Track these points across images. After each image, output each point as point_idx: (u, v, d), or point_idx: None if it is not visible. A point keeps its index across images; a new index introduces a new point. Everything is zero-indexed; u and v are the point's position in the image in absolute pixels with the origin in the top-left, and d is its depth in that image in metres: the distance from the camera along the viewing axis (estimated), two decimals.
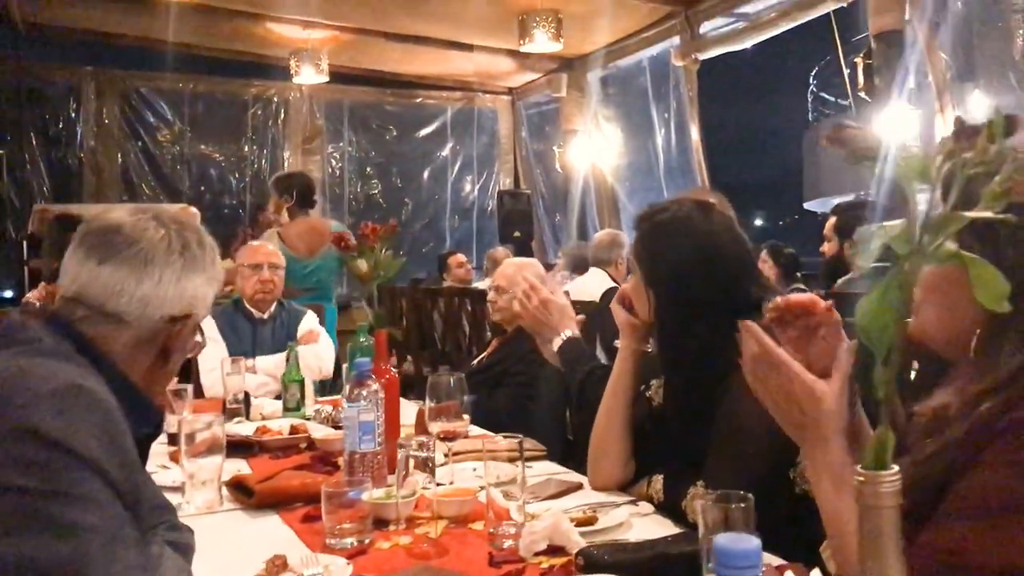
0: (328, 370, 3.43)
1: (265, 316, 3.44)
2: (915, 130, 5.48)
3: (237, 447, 2.40)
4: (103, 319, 1.29)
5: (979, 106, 5.72)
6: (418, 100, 10.11)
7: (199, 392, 3.10)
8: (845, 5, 5.96)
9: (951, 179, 0.66)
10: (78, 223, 1.36)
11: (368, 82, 9.73)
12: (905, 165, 0.65)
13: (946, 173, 0.66)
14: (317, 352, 3.36)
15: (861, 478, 0.68)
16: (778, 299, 1.26)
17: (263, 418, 2.86)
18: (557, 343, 2.27)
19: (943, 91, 5.41)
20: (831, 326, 1.20)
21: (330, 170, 9.74)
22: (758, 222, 28.32)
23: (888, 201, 1.12)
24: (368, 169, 9.96)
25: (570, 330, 2.28)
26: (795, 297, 1.25)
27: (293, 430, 2.61)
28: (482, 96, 10.29)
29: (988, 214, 0.64)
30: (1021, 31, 5.71)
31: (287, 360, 2.99)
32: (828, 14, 6.24)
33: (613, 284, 5.12)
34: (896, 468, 0.67)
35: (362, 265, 2.16)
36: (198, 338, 1.43)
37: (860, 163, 0.73)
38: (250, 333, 3.38)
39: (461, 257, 7.88)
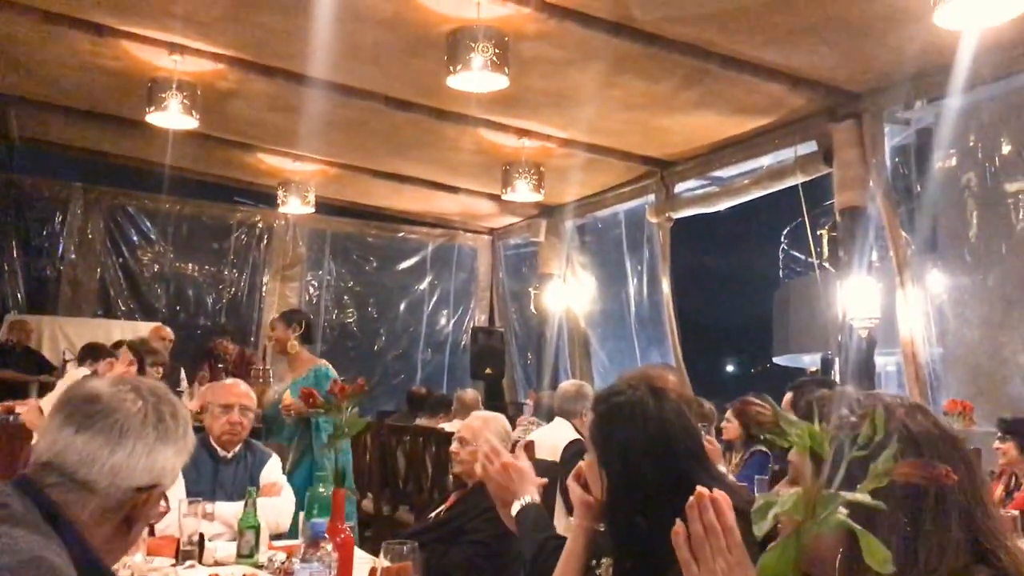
0: (285, 526, 3.41)
1: (230, 455, 3.46)
2: (876, 302, 5.69)
3: None
4: (73, 486, 1.34)
5: (937, 282, 5.99)
6: (400, 234, 10.38)
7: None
8: (811, 179, 6.27)
9: (839, 458, 0.76)
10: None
11: (352, 214, 10.00)
12: (799, 440, 0.76)
13: (835, 451, 0.76)
14: (277, 507, 3.36)
15: None
16: (703, 491, 1.30)
17: (216, 563, 2.84)
18: (516, 508, 2.31)
19: (904, 266, 5.66)
20: (729, 537, 1.22)
21: (307, 297, 9.87)
22: (730, 368, 28.58)
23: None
24: (345, 298, 10.10)
25: (529, 496, 2.32)
26: (721, 496, 1.30)
27: None
28: (463, 234, 10.59)
29: (866, 498, 0.74)
30: (975, 212, 6.04)
31: (245, 505, 2.99)
32: (797, 185, 6.55)
33: (577, 436, 5.16)
34: None
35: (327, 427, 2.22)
36: (162, 505, 1.48)
37: (764, 435, 0.83)
38: (212, 472, 3.39)
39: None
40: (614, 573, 2.04)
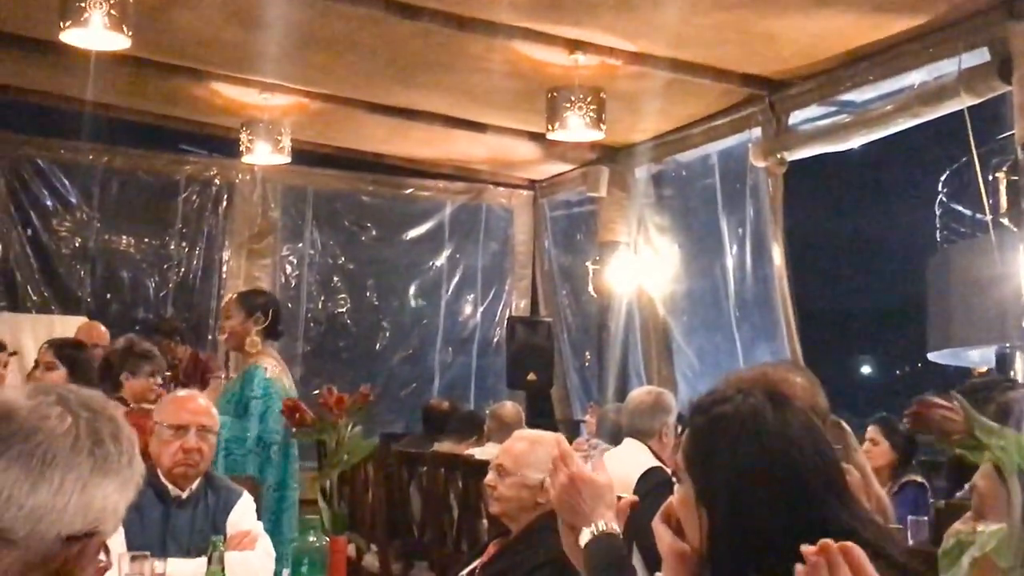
0: None
1: (184, 495, 3.48)
2: None
3: None
4: None
5: None
6: (407, 191, 10.37)
7: None
8: (983, 102, 6.18)
9: None
10: None
11: (341, 164, 10.01)
12: (1005, 454, 0.74)
13: None
14: (251, 564, 3.38)
15: None
16: (828, 544, 1.29)
17: None
18: (585, 537, 2.31)
19: None
20: None
21: (283, 279, 9.90)
22: (865, 369, 28.35)
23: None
24: (335, 280, 10.12)
25: (604, 521, 2.32)
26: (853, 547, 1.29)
27: None
28: (494, 190, 10.58)
29: None
30: None
31: (208, 561, 3.02)
32: (961, 111, 6.45)
33: (656, 463, 5.15)
34: None
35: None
36: (102, 559, 1.48)
37: (953, 449, 0.81)
38: (162, 517, 3.42)
39: None
40: None
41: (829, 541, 1.28)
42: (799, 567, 1.27)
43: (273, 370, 4.92)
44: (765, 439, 1.89)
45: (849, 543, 1.26)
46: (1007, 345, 7.07)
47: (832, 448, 1.95)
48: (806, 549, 1.27)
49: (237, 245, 9.68)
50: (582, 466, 2.37)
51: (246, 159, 8.59)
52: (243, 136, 8.38)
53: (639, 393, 5.90)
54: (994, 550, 0.69)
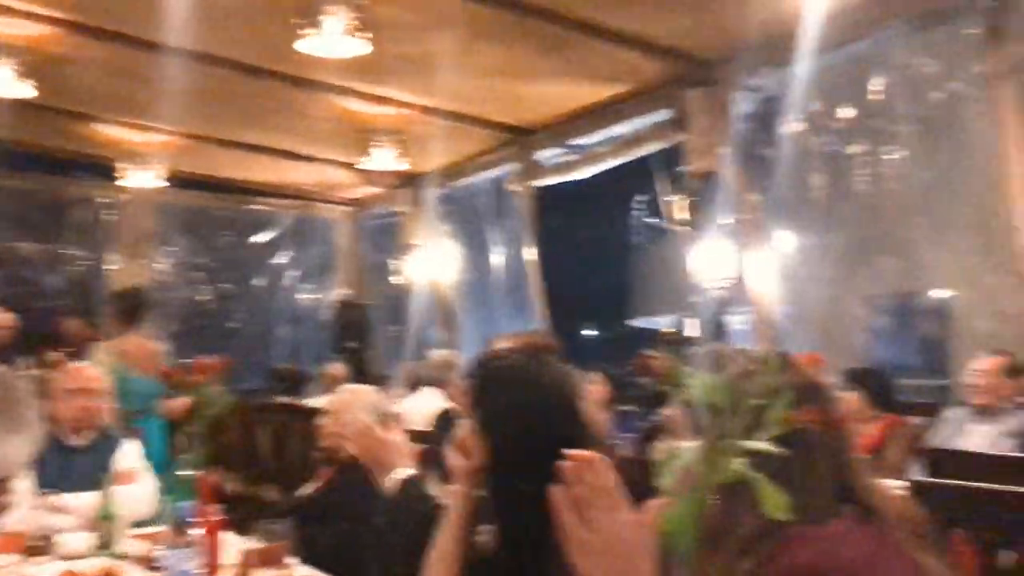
0: (147, 515, 3.24)
1: (81, 444, 3.26)
2: (728, 263, 5.92)
3: None
4: None
5: (785, 243, 6.27)
6: (255, 207, 10.02)
7: None
8: (666, 146, 6.44)
9: (737, 408, 0.76)
10: None
11: (203, 187, 9.57)
12: (701, 392, 0.75)
13: (732, 403, 0.76)
14: (136, 496, 3.19)
15: None
16: (578, 454, 1.30)
17: (71, 557, 2.68)
18: (391, 481, 2.28)
19: (754, 228, 5.90)
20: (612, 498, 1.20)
21: (158, 275, 9.41)
22: (589, 333, 29.28)
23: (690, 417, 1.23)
24: (199, 275, 9.70)
25: (404, 468, 2.30)
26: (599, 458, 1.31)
27: (106, 574, 2.46)
28: (322, 206, 10.32)
29: (765, 446, 0.74)
30: (819, 175, 6.34)
31: (100, 495, 2.83)
32: (653, 153, 6.71)
33: (447, 405, 5.17)
34: None
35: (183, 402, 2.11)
36: (5, 497, 1.36)
37: (665, 388, 0.83)
38: (62, 463, 3.18)
39: None
40: (495, 539, 2.04)
41: (580, 452, 1.28)
42: (562, 465, 1.25)
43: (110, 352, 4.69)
44: (529, 386, 1.90)
45: (596, 454, 1.26)
46: (681, 314, 7.39)
47: (578, 389, 1.98)
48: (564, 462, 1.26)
49: (120, 250, 9.14)
50: (379, 431, 2.34)
51: (128, 183, 8.18)
52: (125, 166, 7.99)
53: (438, 353, 5.93)
54: (691, 462, 0.71)
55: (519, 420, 1.86)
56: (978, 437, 4.15)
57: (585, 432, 1.90)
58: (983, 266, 4.85)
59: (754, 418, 0.76)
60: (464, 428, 2.06)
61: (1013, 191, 4.42)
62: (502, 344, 2.07)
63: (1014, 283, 4.38)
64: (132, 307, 4.81)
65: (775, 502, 0.73)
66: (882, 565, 1.14)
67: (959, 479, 2.32)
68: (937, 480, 1.85)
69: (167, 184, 8.48)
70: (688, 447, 0.75)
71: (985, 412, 4.23)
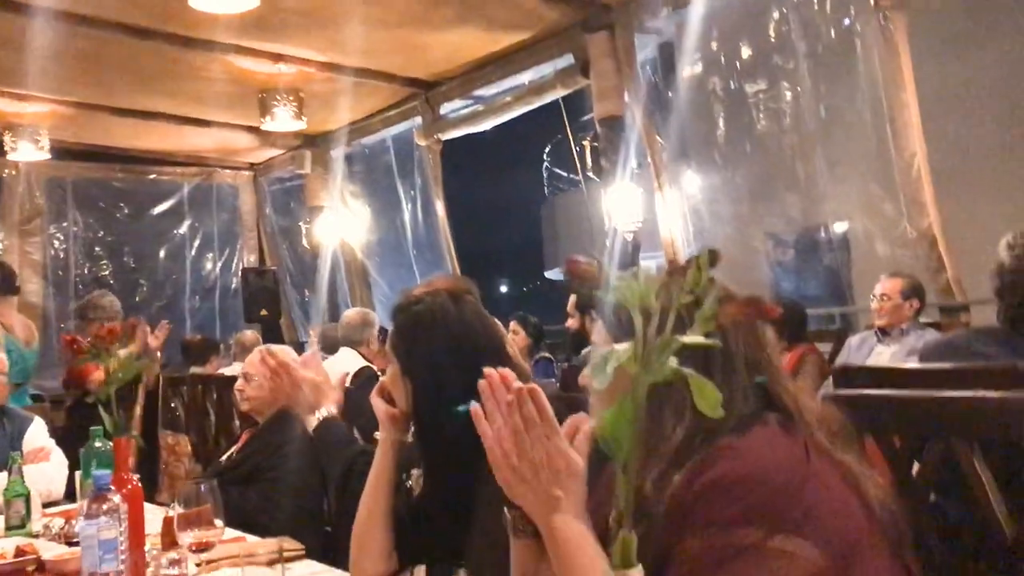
0: (59, 492, 3.13)
1: None
2: (638, 207, 5.99)
3: None
4: None
5: (691, 184, 6.39)
6: (151, 177, 9.61)
7: None
8: (572, 92, 6.44)
9: (668, 307, 0.76)
10: None
11: (94, 158, 9.13)
12: (628, 293, 0.75)
13: (663, 301, 0.76)
14: (47, 473, 3.07)
15: None
16: (489, 371, 1.30)
17: None
18: (313, 423, 2.25)
19: (661, 171, 5.97)
20: (548, 424, 1.24)
21: (53, 252, 9.00)
22: (503, 289, 29.42)
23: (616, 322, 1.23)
24: (97, 249, 9.31)
25: (326, 408, 2.26)
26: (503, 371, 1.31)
27: (19, 552, 2.37)
28: (222, 172, 9.98)
29: (700, 339, 0.74)
30: (721, 115, 6.45)
31: (8, 473, 2.71)
32: (558, 99, 6.70)
33: (365, 363, 5.11)
34: (639, 566, 0.75)
35: (99, 370, 2.03)
36: None
37: (591, 291, 0.82)
38: None
39: None
40: (424, 482, 2.03)
41: (504, 372, 1.27)
42: (481, 383, 1.25)
43: None
44: (450, 325, 1.89)
45: (535, 386, 1.26)
46: (595, 259, 7.47)
47: (498, 327, 1.98)
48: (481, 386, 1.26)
49: (9, 227, 8.65)
50: (298, 370, 2.30)
51: (11, 157, 7.73)
52: (7, 138, 7.55)
53: (350, 313, 5.84)
54: (626, 361, 0.71)
55: (441, 360, 1.85)
56: (883, 359, 4.33)
57: (510, 366, 1.90)
58: (880, 194, 5.02)
59: (687, 314, 0.76)
60: (388, 374, 2.04)
61: (906, 119, 4.57)
62: (420, 289, 2.03)
63: (911, 209, 4.55)
64: (2, 278, 4.65)
65: (710, 399, 0.73)
66: (808, 469, 1.17)
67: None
68: (845, 391, 1.91)
69: (56, 157, 8.07)
70: (621, 348, 0.74)
71: (889, 334, 4.42)
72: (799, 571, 1.09)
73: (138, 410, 4.96)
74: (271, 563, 1.82)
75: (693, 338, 0.73)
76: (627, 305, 0.76)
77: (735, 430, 1.18)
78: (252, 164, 10.00)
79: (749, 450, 1.16)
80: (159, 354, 5.84)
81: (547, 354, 5.89)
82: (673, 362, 0.76)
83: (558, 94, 6.54)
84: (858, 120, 5.14)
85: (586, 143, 6.79)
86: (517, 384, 1.25)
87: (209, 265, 10.02)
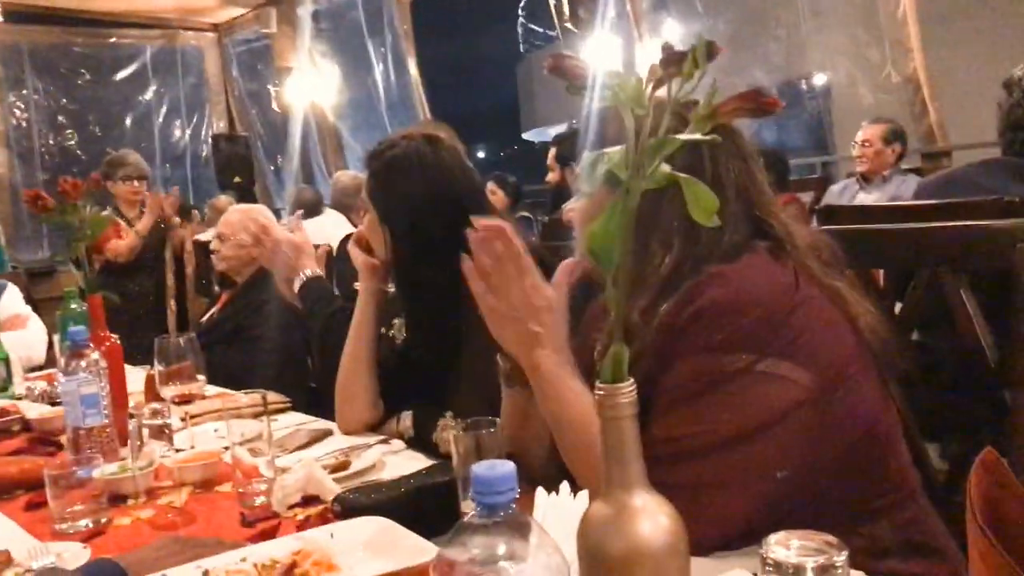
0: (40, 358, 3.10)
1: None
2: (618, 56, 5.82)
3: None
4: None
5: (672, 32, 6.18)
6: (111, 40, 9.22)
7: None
8: None
9: (662, 104, 0.70)
10: None
11: (50, 21, 8.73)
12: (619, 91, 0.69)
13: (657, 98, 0.70)
14: (25, 339, 3.03)
15: (601, 392, 0.71)
16: (481, 221, 1.26)
17: None
18: (298, 284, 2.22)
19: (640, 20, 5.77)
20: (519, 262, 1.21)
21: (15, 122, 8.69)
22: (480, 153, 29.07)
23: (600, 129, 1.18)
24: (60, 118, 9.00)
25: (309, 269, 2.23)
26: (505, 225, 1.27)
27: (2, 412, 2.36)
28: (184, 34, 9.58)
29: (699, 136, 0.69)
30: None
31: None
32: None
33: (353, 229, 5.04)
34: (631, 380, 0.71)
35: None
36: None
37: (579, 92, 0.76)
38: None
39: None
40: (407, 330, 2.01)
41: (485, 220, 1.23)
42: (471, 233, 1.21)
43: None
44: (427, 169, 1.82)
45: (503, 224, 1.22)
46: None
47: (474, 170, 1.91)
48: (473, 229, 1.22)
49: None
50: (280, 232, 2.26)
51: None
52: None
53: (344, 176, 5.73)
54: (615, 164, 0.66)
55: (420, 206, 1.80)
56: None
57: (488, 210, 1.85)
58: (865, 39, 4.88)
59: (679, 122, 0.70)
60: (365, 222, 1.98)
61: None
62: (396, 135, 1.95)
63: (895, 53, 4.43)
64: None
65: (705, 203, 0.68)
66: (798, 295, 1.14)
67: None
68: (831, 227, 1.88)
69: (9, 20, 7.69)
70: (612, 151, 0.69)
71: (871, 180, 4.38)
72: (788, 394, 1.08)
73: (170, 277, 4.90)
74: (256, 415, 1.81)
75: (693, 136, 0.68)
76: (619, 106, 0.70)
77: (724, 258, 1.15)
78: (215, 25, 9.59)
79: (739, 277, 1.14)
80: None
81: (526, 213, 5.85)
82: (668, 167, 0.70)
83: None
84: None
85: None
86: (482, 222, 1.21)
87: (178, 132, 9.75)
